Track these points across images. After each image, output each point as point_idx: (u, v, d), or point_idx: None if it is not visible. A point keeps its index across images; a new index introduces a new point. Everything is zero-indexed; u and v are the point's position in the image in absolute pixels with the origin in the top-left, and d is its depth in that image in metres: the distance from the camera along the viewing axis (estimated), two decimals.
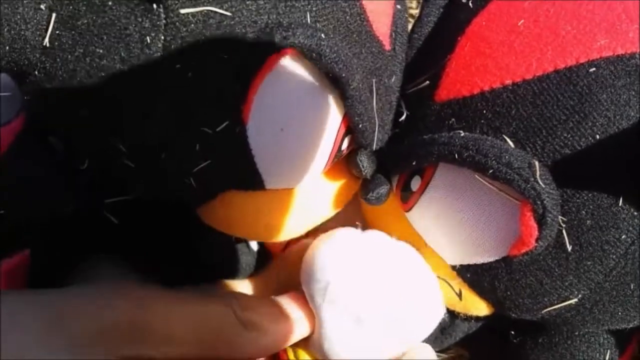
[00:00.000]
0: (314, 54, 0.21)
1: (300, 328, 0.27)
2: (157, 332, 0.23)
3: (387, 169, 0.27)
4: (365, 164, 0.26)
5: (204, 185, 0.24)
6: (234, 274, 0.31)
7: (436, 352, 0.36)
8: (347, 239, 0.28)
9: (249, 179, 0.24)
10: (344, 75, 0.22)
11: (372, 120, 0.25)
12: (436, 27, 0.29)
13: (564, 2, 0.24)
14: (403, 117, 0.28)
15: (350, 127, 0.25)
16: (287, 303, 0.27)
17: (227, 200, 0.26)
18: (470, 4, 0.28)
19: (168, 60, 0.20)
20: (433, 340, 0.35)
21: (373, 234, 0.28)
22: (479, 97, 0.25)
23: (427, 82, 0.27)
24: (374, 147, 0.26)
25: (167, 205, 0.27)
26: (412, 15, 0.43)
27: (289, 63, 0.22)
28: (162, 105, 0.21)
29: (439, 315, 0.29)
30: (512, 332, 0.33)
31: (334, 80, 0.22)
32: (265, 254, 0.34)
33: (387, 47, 0.27)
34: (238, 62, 0.21)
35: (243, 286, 0.30)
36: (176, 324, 0.23)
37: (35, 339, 0.20)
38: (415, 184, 0.27)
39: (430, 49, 0.29)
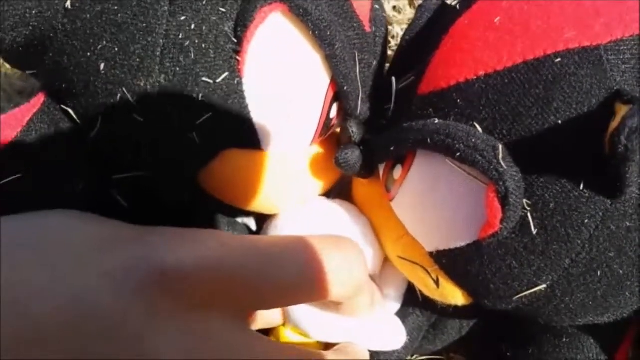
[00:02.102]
0: (300, 10, 0.24)
1: None
2: None
3: (372, 157, 0.29)
4: (355, 130, 0.28)
5: (206, 140, 0.26)
6: None
7: (431, 355, 0.37)
8: (289, 212, 0.31)
9: (246, 135, 0.26)
10: (328, 33, 0.24)
11: (356, 86, 0.27)
12: (426, 28, 0.31)
13: (538, 0, 0.25)
14: (390, 111, 0.30)
15: (337, 92, 0.27)
16: None
17: (226, 160, 0.27)
18: (458, 6, 0.30)
19: (174, 13, 0.23)
20: (425, 337, 0.35)
21: (312, 200, 0.32)
22: (454, 88, 0.26)
23: (413, 77, 0.29)
24: (358, 113, 0.28)
25: (168, 188, 0.29)
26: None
27: (280, 20, 0.24)
28: (168, 55, 0.24)
29: (378, 255, 0.32)
30: (504, 345, 0.33)
31: (319, 38, 0.25)
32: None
33: (368, 29, 0.29)
34: (234, 15, 0.24)
35: None
36: None
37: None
38: (397, 172, 0.28)
39: (419, 49, 0.30)
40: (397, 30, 0.46)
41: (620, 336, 0.31)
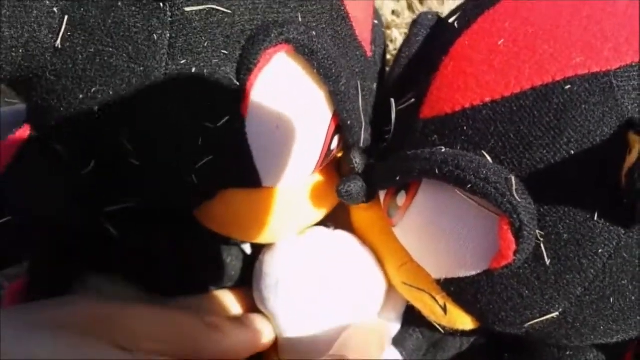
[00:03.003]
0: (306, 50, 0.23)
1: (260, 336, 0.29)
2: (133, 330, 0.26)
3: (374, 184, 0.28)
4: (358, 160, 0.28)
5: (205, 182, 0.25)
6: (220, 279, 0.32)
7: None
8: (287, 242, 0.30)
9: (247, 175, 0.25)
10: (334, 71, 0.24)
11: (359, 118, 0.27)
12: (423, 46, 0.30)
13: (542, 23, 0.25)
14: (390, 134, 0.29)
15: (339, 125, 0.26)
16: (248, 316, 0.30)
17: (225, 199, 0.27)
18: (456, 25, 0.29)
19: (173, 57, 0.22)
20: (425, 354, 0.35)
21: (312, 230, 0.31)
22: (460, 114, 0.25)
23: (413, 99, 0.28)
24: (361, 144, 0.28)
25: (161, 215, 0.28)
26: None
27: (284, 59, 0.23)
28: (167, 101, 0.22)
29: (381, 286, 0.31)
30: (506, 355, 0.33)
31: (324, 77, 0.24)
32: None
33: (369, 53, 0.28)
34: (237, 57, 0.22)
35: (229, 297, 0.31)
36: (148, 323, 0.26)
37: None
38: (401, 199, 0.27)
39: (417, 68, 0.29)
40: (396, 35, 0.45)
41: (623, 348, 0.31)
